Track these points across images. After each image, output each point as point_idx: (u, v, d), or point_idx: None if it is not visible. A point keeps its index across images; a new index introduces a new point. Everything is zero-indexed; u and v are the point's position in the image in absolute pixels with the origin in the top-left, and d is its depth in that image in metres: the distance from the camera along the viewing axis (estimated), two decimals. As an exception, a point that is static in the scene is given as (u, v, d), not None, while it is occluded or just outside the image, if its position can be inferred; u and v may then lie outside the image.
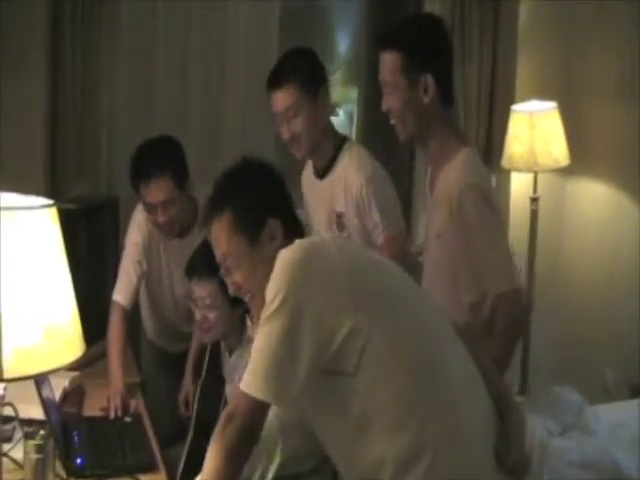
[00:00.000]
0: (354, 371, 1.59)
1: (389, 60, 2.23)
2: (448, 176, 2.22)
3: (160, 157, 2.74)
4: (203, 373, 2.61)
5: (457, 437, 1.62)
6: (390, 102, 2.25)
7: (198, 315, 2.44)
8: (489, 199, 2.20)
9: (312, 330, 1.57)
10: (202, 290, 2.40)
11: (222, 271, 1.87)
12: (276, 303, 1.59)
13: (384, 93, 2.27)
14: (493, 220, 2.20)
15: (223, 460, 1.63)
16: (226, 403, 2.42)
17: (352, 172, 2.56)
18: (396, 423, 1.60)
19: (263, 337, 1.60)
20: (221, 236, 1.82)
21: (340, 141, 2.65)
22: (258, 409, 1.62)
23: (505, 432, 1.69)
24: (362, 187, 2.54)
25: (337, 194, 2.60)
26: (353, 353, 1.58)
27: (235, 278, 1.84)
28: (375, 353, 1.58)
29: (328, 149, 2.62)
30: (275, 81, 2.53)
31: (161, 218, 2.74)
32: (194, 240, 2.61)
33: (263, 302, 1.63)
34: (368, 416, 1.61)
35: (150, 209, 2.76)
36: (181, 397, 2.88)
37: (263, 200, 1.81)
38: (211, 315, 2.41)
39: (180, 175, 2.75)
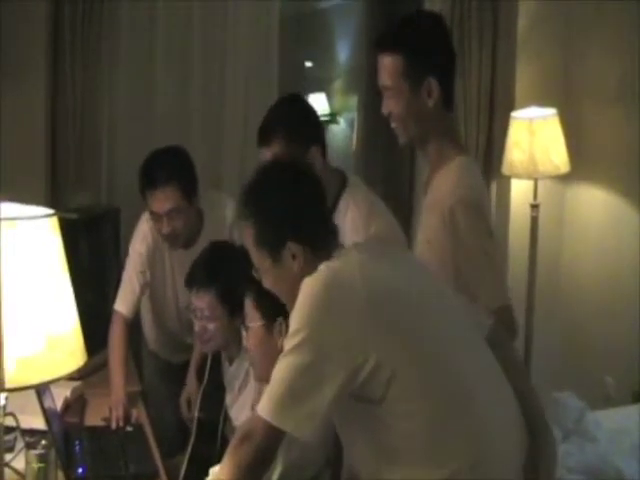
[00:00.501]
0: (380, 400, 1.58)
1: (389, 63, 2.13)
2: (441, 184, 2.17)
3: (169, 167, 2.72)
4: (204, 380, 2.61)
5: (484, 470, 1.60)
6: (391, 106, 2.17)
7: (197, 326, 2.44)
8: (482, 212, 2.15)
9: (335, 366, 1.56)
10: (201, 301, 2.40)
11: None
12: (298, 338, 1.57)
13: (384, 97, 2.19)
14: (485, 235, 2.13)
15: (235, 474, 1.62)
16: (227, 411, 2.43)
17: (348, 233, 2.34)
18: (422, 456, 1.59)
19: (285, 369, 1.59)
20: (249, 245, 1.79)
21: (338, 188, 2.44)
22: (275, 433, 1.61)
23: (534, 457, 1.68)
24: None
25: None
26: (379, 385, 1.57)
27: (265, 284, 1.82)
28: (401, 387, 1.57)
29: None
30: (262, 137, 2.38)
31: (165, 229, 2.73)
32: (199, 250, 2.60)
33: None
34: (394, 445, 1.61)
35: (155, 218, 2.75)
36: (183, 398, 2.86)
37: (283, 221, 1.73)
38: (210, 326, 2.41)
39: (188, 187, 2.74)
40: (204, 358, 2.69)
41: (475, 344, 1.74)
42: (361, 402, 1.60)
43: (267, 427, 1.59)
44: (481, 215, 2.14)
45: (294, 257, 1.72)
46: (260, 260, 1.77)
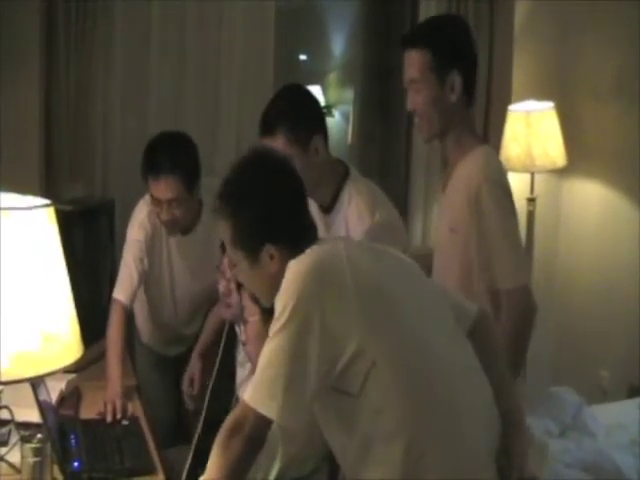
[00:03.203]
0: (358, 394, 1.58)
1: (418, 57, 2.24)
2: (466, 169, 2.24)
3: (176, 155, 2.69)
4: (214, 372, 2.57)
5: (458, 468, 1.60)
6: (417, 100, 2.27)
7: (222, 287, 2.36)
8: (509, 193, 2.23)
9: (319, 347, 1.55)
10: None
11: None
12: (284, 317, 1.57)
13: (410, 91, 2.28)
14: (511, 215, 2.22)
15: (228, 469, 1.62)
16: (237, 397, 2.39)
17: (353, 222, 2.40)
18: (397, 449, 1.58)
19: (271, 353, 1.59)
20: (226, 241, 1.78)
21: (341, 177, 2.45)
22: (263, 421, 1.60)
23: (507, 452, 1.67)
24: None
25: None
26: (358, 376, 1.57)
27: (241, 280, 1.82)
28: (379, 380, 1.57)
29: (327, 192, 2.43)
30: (265, 128, 2.38)
31: (164, 216, 2.72)
32: (197, 237, 2.58)
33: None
34: (370, 440, 1.60)
35: (156, 203, 2.73)
36: (186, 376, 2.82)
37: (260, 226, 1.72)
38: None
39: (191, 178, 2.72)
40: (210, 342, 2.66)
41: (453, 339, 1.73)
42: (340, 394, 1.59)
43: (255, 415, 1.60)
44: (508, 195, 2.23)
45: (272, 257, 1.72)
46: (237, 259, 1.77)
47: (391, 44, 4.43)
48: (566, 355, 4.09)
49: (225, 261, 2.37)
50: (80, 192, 3.50)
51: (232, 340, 2.52)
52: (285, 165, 1.81)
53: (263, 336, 1.99)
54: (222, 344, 2.56)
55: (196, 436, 2.49)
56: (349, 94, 5.28)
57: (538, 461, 2.32)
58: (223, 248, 2.39)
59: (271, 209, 1.73)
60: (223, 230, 1.77)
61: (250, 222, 1.72)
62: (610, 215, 3.99)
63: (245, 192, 1.74)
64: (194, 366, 2.82)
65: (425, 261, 2.42)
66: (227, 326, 2.53)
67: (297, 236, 1.74)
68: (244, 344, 2.20)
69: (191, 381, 2.80)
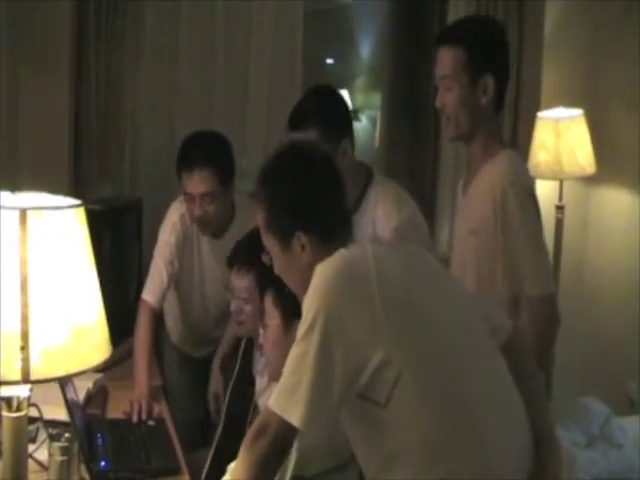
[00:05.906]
0: (384, 403, 1.55)
1: (452, 54, 2.22)
2: (491, 171, 2.22)
3: (210, 150, 2.71)
4: (234, 374, 2.58)
5: None
6: (446, 98, 2.24)
7: (234, 305, 2.43)
8: (534, 197, 2.20)
9: (343, 356, 1.53)
10: (240, 282, 2.39)
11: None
12: (308, 324, 1.55)
13: (441, 88, 2.25)
14: (536, 219, 2.19)
15: (253, 472, 1.61)
16: (255, 405, 2.40)
17: (380, 221, 2.42)
18: (423, 465, 1.56)
19: (296, 359, 1.57)
20: (261, 226, 1.77)
21: (366, 180, 2.49)
22: (287, 425, 1.58)
23: (540, 471, 1.64)
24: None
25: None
26: (385, 385, 1.54)
27: (275, 269, 1.80)
28: (405, 391, 1.54)
29: (351, 193, 2.34)
30: (298, 125, 2.39)
31: (197, 211, 2.72)
32: (228, 241, 2.59)
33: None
34: (397, 451, 1.59)
35: (189, 199, 2.74)
36: (210, 394, 2.82)
37: (294, 212, 1.71)
38: (247, 308, 2.40)
39: (225, 174, 2.73)
40: (231, 349, 2.67)
41: (485, 353, 1.70)
42: (367, 402, 1.57)
43: (279, 420, 1.58)
44: (533, 200, 2.20)
45: (303, 247, 1.70)
46: (270, 244, 1.76)
47: (419, 48, 4.42)
48: (594, 365, 4.04)
49: (232, 279, 2.39)
50: (108, 192, 3.52)
51: (251, 347, 2.53)
52: (323, 155, 1.80)
53: (281, 341, 1.99)
54: (241, 350, 2.57)
55: (216, 438, 2.49)
56: (376, 98, 5.27)
57: (566, 472, 2.29)
58: (230, 264, 2.42)
59: (304, 195, 1.71)
60: (258, 214, 1.76)
61: (283, 206, 1.71)
62: (639, 223, 3.94)
63: (280, 177, 1.74)
64: (216, 382, 2.82)
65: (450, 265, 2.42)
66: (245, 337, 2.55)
67: (329, 227, 1.72)
68: (261, 348, 2.20)
69: (215, 397, 2.80)
